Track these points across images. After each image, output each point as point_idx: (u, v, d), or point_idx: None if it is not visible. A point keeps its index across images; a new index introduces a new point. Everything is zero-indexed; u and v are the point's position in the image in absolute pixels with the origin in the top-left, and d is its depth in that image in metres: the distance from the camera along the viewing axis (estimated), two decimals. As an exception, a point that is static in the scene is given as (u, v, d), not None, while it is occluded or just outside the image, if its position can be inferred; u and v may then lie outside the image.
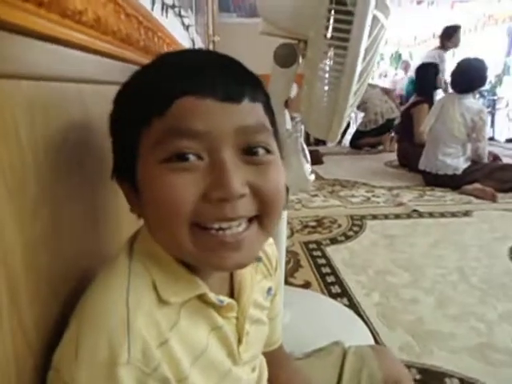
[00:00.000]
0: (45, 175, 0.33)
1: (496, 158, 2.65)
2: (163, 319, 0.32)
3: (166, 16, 1.05)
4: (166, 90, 0.32)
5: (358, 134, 4.21)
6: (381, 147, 4.08)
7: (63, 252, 0.37)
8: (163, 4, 0.99)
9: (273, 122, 0.37)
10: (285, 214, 0.85)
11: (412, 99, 3.32)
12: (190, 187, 0.31)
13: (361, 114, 4.31)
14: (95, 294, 0.33)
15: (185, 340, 0.33)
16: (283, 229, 0.85)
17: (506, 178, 2.37)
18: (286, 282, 1.23)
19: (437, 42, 3.55)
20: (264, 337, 0.47)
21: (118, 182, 0.38)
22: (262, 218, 0.34)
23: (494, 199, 2.16)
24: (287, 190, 0.82)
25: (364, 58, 0.56)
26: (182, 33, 1.42)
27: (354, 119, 4.64)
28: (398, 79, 6.69)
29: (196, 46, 1.73)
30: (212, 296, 0.36)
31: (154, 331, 0.31)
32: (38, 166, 0.32)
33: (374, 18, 0.53)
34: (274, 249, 0.50)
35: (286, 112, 1.03)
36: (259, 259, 0.46)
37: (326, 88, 0.62)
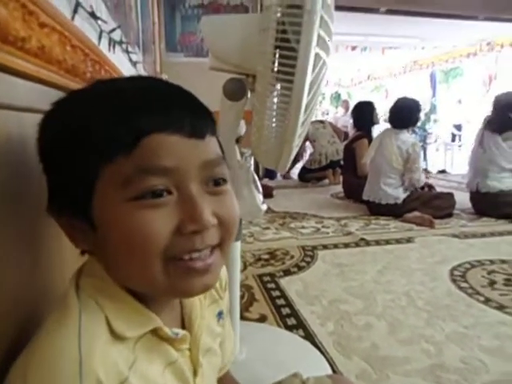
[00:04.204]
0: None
1: (431, 187, 2.86)
2: (120, 357, 0.30)
3: (114, 51, 1.04)
4: (134, 127, 0.31)
5: (305, 170, 4.39)
6: (326, 180, 4.26)
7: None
8: (110, 39, 0.99)
9: (222, 151, 0.39)
10: (238, 245, 0.84)
11: (352, 134, 3.55)
12: (163, 223, 0.31)
13: (310, 150, 4.52)
14: (42, 342, 0.30)
15: (144, 379, 0.32)
16: (237, 257, 0.84)
17: (441, 205, 2.56)
18: (242, 317, 1.20)
19: (371, 84, 3.86)
20: (217, 369, 0.47)
21: (55, 215, 0.36)
22: (223, 243, 0.36)
23: (432, 226, 2.31)
24: (240, 220, 0.82)
25: (309, 92, 0.59)
26: (129, 68, 1.42)
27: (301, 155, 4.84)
28: (338, 117, 7.15)
29: (144, 83, 1.73)
30: (167, 330, 0.35)
31: (111, 371, 0.29)
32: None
33: (317, 55, 0.57)
34: (224, 269, 0.50)
35: (236, 147, 1.04)
36: None
37: (275, 119, 0.64)
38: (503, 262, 1.72)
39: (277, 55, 0.61)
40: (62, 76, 0.53)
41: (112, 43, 1.01)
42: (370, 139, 3.17)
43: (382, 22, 4.83)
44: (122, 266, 0.33)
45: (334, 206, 3.02)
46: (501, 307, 1.29)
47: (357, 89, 10.94)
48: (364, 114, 3.44)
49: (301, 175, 4.41)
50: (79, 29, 0.64)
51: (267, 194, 3.29)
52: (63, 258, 0.48)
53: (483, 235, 2.15)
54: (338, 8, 0.62)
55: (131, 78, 0.40)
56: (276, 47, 0.60)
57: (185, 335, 0.37)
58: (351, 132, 3.78)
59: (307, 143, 4.57)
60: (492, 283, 1.49)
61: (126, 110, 0.32)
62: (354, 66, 8.78)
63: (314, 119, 6.56)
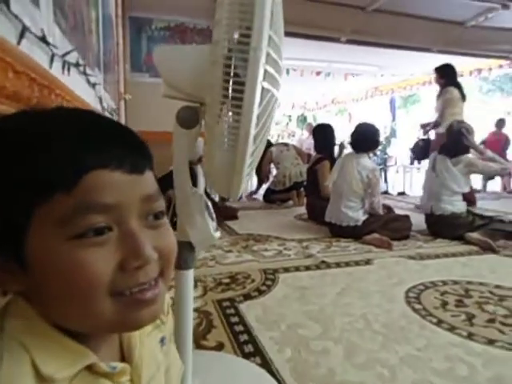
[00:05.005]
0: None
1: (390, 209, 2.95)
2: None
3: (68, 74, 1.03)
4: (74, 164, 0.31)
5: (270, 191, 4.45)
6: (291, 202, 4.32)
7: None
8: (64, 62, 0.98)
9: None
10: (191, 274, 0.83)
11: (313, 157, 3.64)
12: (106, 261, 0.31)
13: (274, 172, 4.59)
14: None
15: None
16: (190, 287, 0.83)
17: (399, 227, 2.65)
18: (198, 345, 1.17)
19: (335, 108, 4.02)
20: None
21: None
22: (164, 272, 0.36)
23: (389, 247, 2.38)
24: (193, 247, 0.81)
25: (257, 123, 0.60)
26: (87, 90, 1.40)
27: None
28: (303, 139, 7.34)
29: (104, 104, 1.71)
30: (102, 365, 0.34)
31: None
32: None
33: (264, 89, 0.59)
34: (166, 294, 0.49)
35: (200, 169, 1.05)
36: None
37: (225, 150, 0.65)
38: (455, 282, 1.79)
39: (229, 89, 0.62)
40: (1, 103, 0.52)
41: (66, 66, 1.00)
42: (332, 161, 3.26)
43: (344, 50, 5.07)
44: (61, 306, 0.32)
45: (296, 228, 3.06)
46: (452, 328, 1.33)
47: (322, 112, 11.30)
48: (326, 136, 3.56)
49: (266, 196, 4.46)
50: (25, 54, 0.63)
51: (232, 215, 3.28)
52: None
53: (437, 256, 2.23)
54: (301, 36, 0.65)
55: (69, 112, 0.38)
56: (226, 80, 0.61)
57: (123, 368, 0.36)
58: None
59: (272, 165, 4.64)
60: (444, 304, 1.54)
61: (67, 146, 0.31)
62: (318, 90, 9.09)
63: (280, 141, 6.69)
